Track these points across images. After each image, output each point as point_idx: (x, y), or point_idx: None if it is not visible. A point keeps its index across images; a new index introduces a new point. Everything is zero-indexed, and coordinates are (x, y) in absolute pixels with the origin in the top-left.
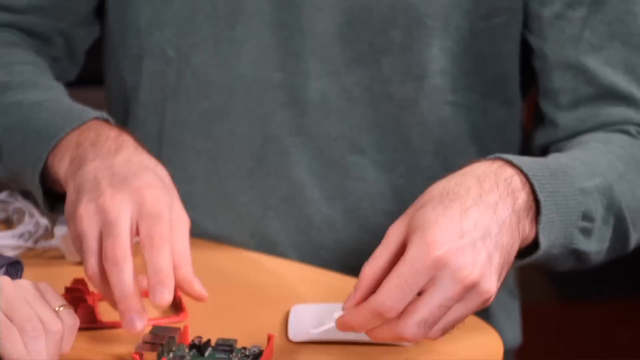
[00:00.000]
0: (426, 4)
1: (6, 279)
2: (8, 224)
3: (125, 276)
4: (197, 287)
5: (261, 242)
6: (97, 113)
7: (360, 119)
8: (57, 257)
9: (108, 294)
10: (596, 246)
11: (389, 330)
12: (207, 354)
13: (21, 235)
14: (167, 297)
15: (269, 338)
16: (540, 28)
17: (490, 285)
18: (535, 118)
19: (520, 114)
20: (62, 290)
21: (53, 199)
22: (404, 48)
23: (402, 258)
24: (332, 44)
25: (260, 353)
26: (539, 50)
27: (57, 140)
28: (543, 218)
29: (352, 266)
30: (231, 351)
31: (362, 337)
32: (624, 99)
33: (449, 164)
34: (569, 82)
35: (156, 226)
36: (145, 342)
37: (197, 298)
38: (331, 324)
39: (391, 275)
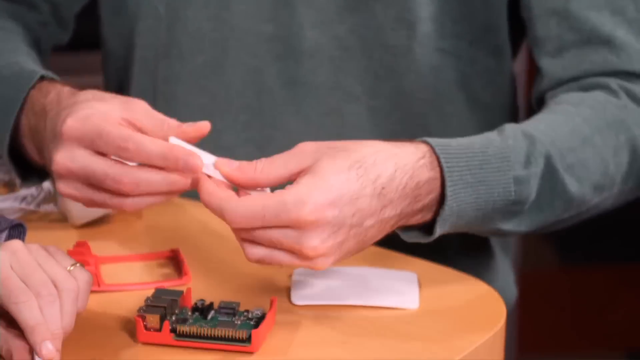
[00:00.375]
0: None
1: (19, 243)
2: (10, 187)
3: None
4: (192, 128)
5: None
6: (38, 74)
7: (354, 68)
8: (60, 220)
9: (153, 198)
10: (528, 226)
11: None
12: (209, 316)
13: (24, 199)
14: (195, 160)
15: (272, 301)
16: None
17: (323, 264)
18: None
19: (511, 65)
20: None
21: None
22: None
23: (281, 193)
24: None
25: (263, 316)
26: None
27: (12, 120)
28: (446, 212)
29: None
30: (234, 314)
31: (365, 300)
32: (606, 42)
33: (442, 110)
34: (554, 28)
35: (108, 137)
36: (148, 305)
37: (202, 133)
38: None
39: (263, 199)
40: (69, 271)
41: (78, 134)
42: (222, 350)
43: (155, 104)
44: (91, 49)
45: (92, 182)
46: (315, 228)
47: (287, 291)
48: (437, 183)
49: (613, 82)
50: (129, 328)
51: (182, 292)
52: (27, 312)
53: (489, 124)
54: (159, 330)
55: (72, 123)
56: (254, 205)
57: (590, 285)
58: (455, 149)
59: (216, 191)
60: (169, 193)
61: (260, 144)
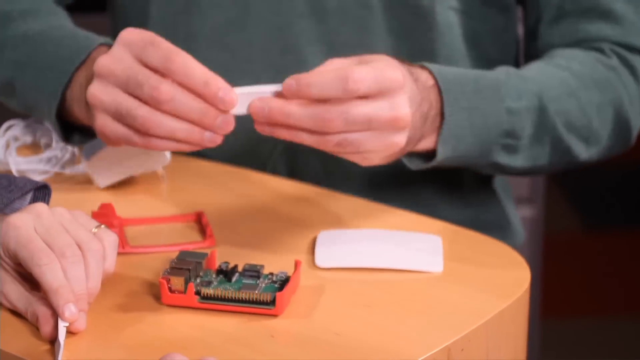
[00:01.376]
0: None
1: (43, 206)
2: (35, 148)
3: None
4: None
5: (283, 154)
6: (102, 39)
7: (377, 27)
8: (85, 182)
9: (181, 126)
10: (523, 162)
11: (316, 116)
12: (234, 279)
13: (49, 160)
14: (233, 96)
15: (296, 264)
16: None
17: (403, 140)
18: (525, 32)
19: (516, 22)
20: (90, 215)
21: (70, 130)
22: None
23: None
24: None
25: (287, 279)
26: None
27: (69, 75)
28: (445, 132)
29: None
30: (258, 277)
31: (389, 263)
32: (604, 15)
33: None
34: None
35: (158, 47)
36: (172, 268)
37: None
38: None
39: (338, 65)
40: (94, 233)
41: (132, 37)
42: (246, 312)
43: None
44: (92, 11)
45: (129, 88)
46: (401, 89)
47: (311, 254)
48: (438, 98)
49: (606, 46)
50: (153, 291)
51: (206, 254)
52: (50, 274)
53: None
54: (184, 292)
55: (129, 30)
56: (331, 71)
57: (614, 248)
58: (451, 74)
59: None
60: (197, 126)
61: None
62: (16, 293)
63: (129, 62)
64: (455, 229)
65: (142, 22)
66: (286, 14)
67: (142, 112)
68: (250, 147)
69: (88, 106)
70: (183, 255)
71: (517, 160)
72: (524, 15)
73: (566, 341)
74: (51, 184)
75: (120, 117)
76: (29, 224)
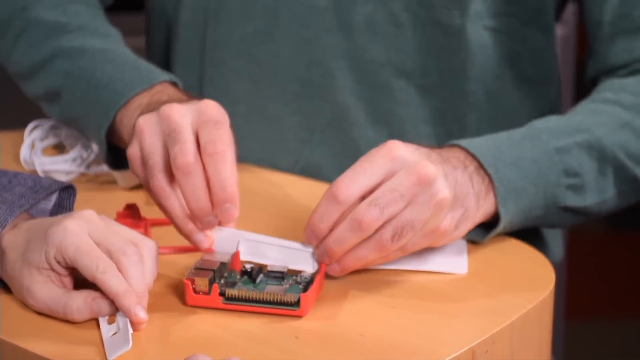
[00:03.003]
0: None
1: (91, 212)
2: (60, 149)
3: (198, 183)
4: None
5: (306, 166)
6: (166, 76)
7: (406, 44)
8: (109, 182)
9: (173, 210)
10: (594, 198)
11: (348, 219)
12: (258, 280)
13: (74, 160)
14: (236, 214)
15: (320, 265)
16: None
17: (443, 187)
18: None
19: (555, 38)
20: (114, 216)
21: (113, 152)
22: None
23: None
24: None
25: (312, 280)
26: None
27: (126, 99)
28: (500, 189)
29: None
30: (282, 278)
31: (413, 265)
32: None
33: (489, 88)
34: (608, 14)
35: (218, 131)
36: (196, 268)
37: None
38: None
39: (355, 165)
40: None
41: (208, 110)
42: (271, 314)
43: (203, 68)
44: (134, 11)
45: (167, 139)
46: (412, 154)
47: None
48: (474, 160)
49: None
50: (178, 291)
51: (230, 255)
52: (115, 279)
53: (535, 98)
54: (208, 293)
55: (214, 103)
56: (349, 169)
57: (638, 249)
58: (478, 142)
59: (319, 203)
60: (190, 210)
61: (308, 115)
62: (49, 291)
63: (185, 120)
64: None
65: (172, 28)
66: (314, 27)
67: (160, 178)
68: (270, 163)
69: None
70: (207, 256)
71: (587, 199)
72: (577, 16)
73: (590, 343)
74: (76, 184)
75: (145, 163)
76: (85, 230)
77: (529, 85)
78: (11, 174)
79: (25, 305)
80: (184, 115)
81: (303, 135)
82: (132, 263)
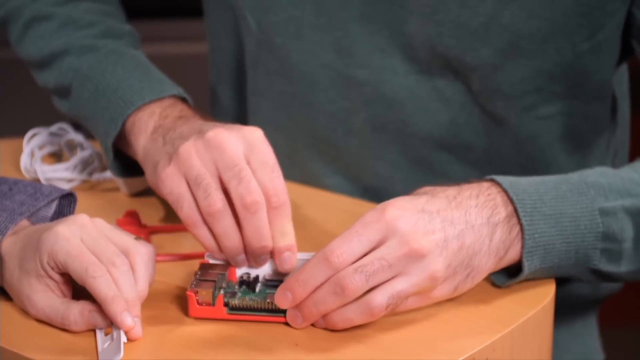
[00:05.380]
0: (521, 25)
1: (85, 217)
2: (58, 157)
3: (263, 225)
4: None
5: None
6: (176, 90)
7: (450, 121)
8: (110, 189)
9: (222, 242)
10: (629, 266)
11: (332, 282)
12: (257, 289)
13: (75, 167)
14: (295, 262)
15: None
16: None
17: (437, 264)
18: None
19: (609, 96)
20: (115, 222)
21: (118, 156)
22: (495, 67)
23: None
24: (421, 47)
25: None
26: None
27: (135, 107)
28: (529, 242)
29: None
30: None
31: None
32: None
33: (534, 170)
34: None
35: (276, 180)
36: (199, 280)
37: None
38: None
39: (350, 229)
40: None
41: (258, 146)
42: (275, 322)
43: (239, 113)
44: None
45: (191, 183)
46: (406, 221)
47: None
48: (510, 204)
49: None
50: (178, 300)
51: (227, 265)
52: (105, 284)
53: (586, 158)
54: (212, 304)
55: (224, 131)
56: (344, 233)
57: None
58: (524, 185)
59: (308, 261)
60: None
61: (348, 178)
62: (48, 300)
63: (240, 155)
64: None
65: (218, 55)
66: (353, 99)
67: (215, 197)
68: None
69: (161, 135)
70: (205, 267)
71: (621, 266)
72: None
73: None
74: (77, 191)
75: (195, 185)
76: (76, 235)
77: (582, 149)
78: (11, 181)
79: (24, 312)
80: (237, 143)
81: (344, 194)
82: (121, 274)
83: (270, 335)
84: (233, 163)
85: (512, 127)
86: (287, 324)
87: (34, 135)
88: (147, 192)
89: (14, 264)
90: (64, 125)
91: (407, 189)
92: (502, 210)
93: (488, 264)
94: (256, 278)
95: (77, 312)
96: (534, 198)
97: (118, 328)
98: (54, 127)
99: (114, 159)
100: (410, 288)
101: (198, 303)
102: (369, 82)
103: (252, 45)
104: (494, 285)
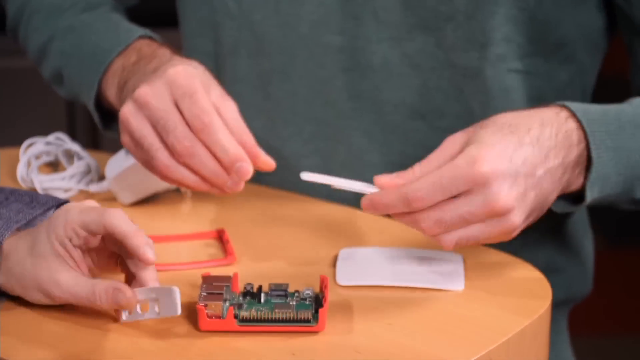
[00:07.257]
0: None
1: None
2: (55, 166)
3: (204, 158)
4: (263, 157)
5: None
6: (141, 31)
7: (421, 86)
8: (108, 199)
9: (191, 177)
10: None
11: (408, 217)
12: (262, 299)
13: (72, 177)
14: (249, 169)
15: (324, 280)
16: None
17: (516, 219)
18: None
19: (579, 71)
20: None
21: (110, 118)
22: (468, 16)
23: (449, 161)
24: (394, 8)
25: (316, 296)
26: (624, 14)
27: (105, 65)
28: (593, 175)
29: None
30: (286, 295)
31: (410, 282)
32: None
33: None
34: None
35: (195, 103)
36: (208, 293)
37: (266, 168)
38: None
39: (433, 172)
40: None
41: (178, 80)
42: (287, 332)
43: None
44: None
45: (157, 127)
46: (494, 180)
47: (332, 272)
48: (583, 140)
49: None
50: (185, 313)
51: (230, 277)
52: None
53: None
54: (222, 317)
55: (179, 71)
56: (431, 177)
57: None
58: (593, 114)
59: (389, 191)
60: (208, 184)
61: (325, 155)
62: (74, 279)
63: (165, 104)
64: (477, 247)
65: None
66: (329, 67)
67: (160, 156)
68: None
69: (121, 93)
70: (209, 280)
71: None
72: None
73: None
74: (75, 201)
75: (141, 147)
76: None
77: None
78: (8, 190)
79: (24, 323)
80: (161, 97)
81: None
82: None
83: (266, 345)
84: (161, 117)
85: (487, 79)
86: (301, 332)
87: (30, 145)
88: (144, 202)
89: (21, 255)
90: (61, 135)
91: (382, 161)
92: (575, 150)
93: (554, 197)
94: (259, 288)
95: (102, 289)
96: (602, 130)
97: (169, 288)
98: (51, 137)
99: (113, 127)
100: (484, 237)
101: (208, 316)
102: (344, 49)
103: (232, 30)
104: (491, 294)
